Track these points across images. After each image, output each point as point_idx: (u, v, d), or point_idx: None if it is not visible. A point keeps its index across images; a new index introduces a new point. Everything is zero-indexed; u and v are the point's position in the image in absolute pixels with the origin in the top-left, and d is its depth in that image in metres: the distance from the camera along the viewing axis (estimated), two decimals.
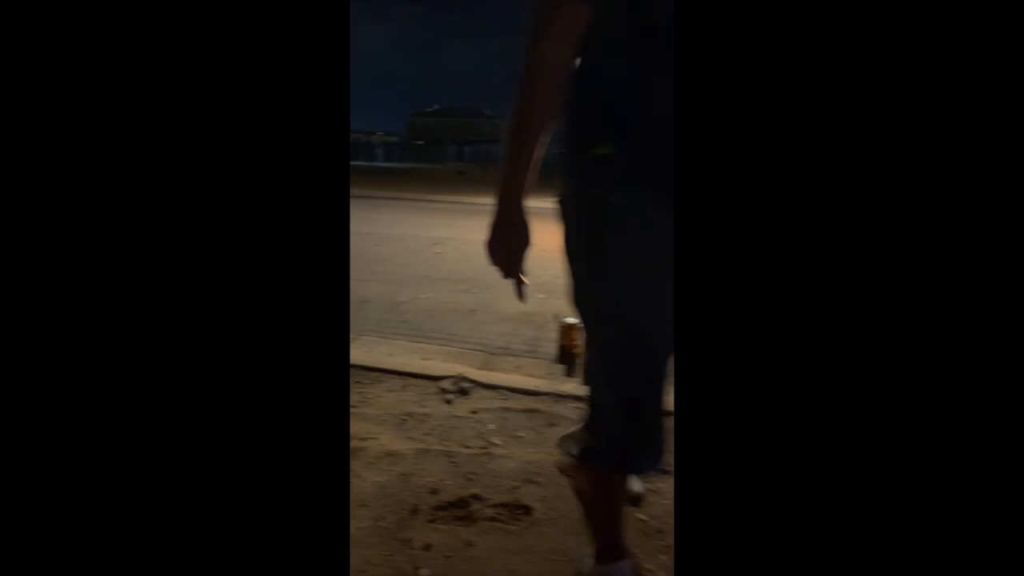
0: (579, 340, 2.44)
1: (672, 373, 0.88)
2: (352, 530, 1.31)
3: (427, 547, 1.26)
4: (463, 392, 2.07)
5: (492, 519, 1.37)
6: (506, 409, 1.96)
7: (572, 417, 1.91)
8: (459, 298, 3.47)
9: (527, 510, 1.41)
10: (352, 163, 23.98)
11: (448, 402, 2.00)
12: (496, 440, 1.75)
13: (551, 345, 2.64)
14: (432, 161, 25.32)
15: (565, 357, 2.49)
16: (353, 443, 1.69)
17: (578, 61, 0.88)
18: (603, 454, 1.03)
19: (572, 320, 2.50)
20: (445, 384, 2.11)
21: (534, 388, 2.10)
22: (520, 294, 1.02)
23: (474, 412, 1.93)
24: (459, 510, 1.41)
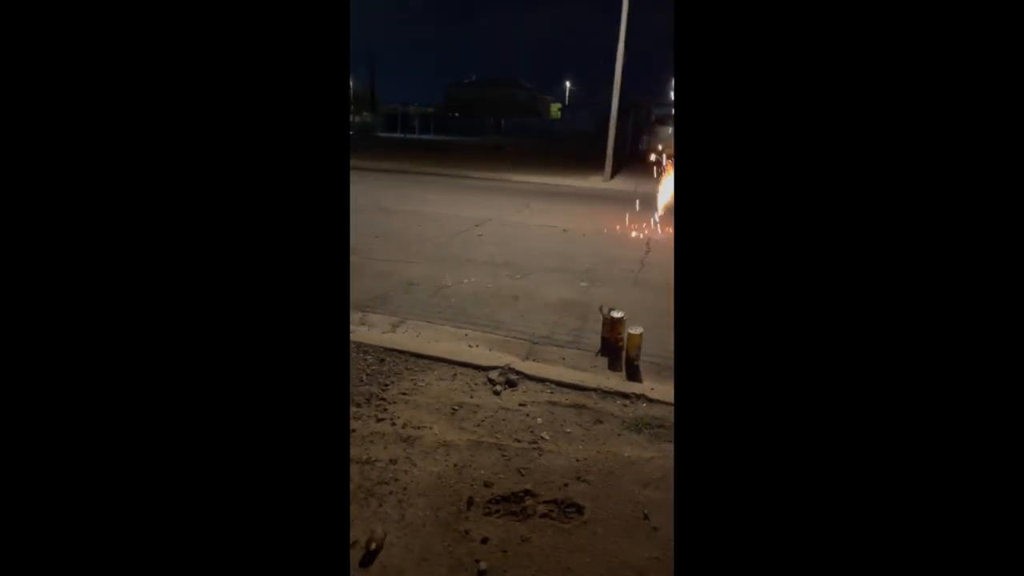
0: (623, 334, 2.45)
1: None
2: (412, 518, 1.38)
3: (484, 540, 1.32)
4: (511, 384, 2.11)
5: (545, 516, 1.43)
6: (553, 403, 2.00)
7: (618, 415, 1.94)
8: (502, 283, 3.50)
9: (579, 509, 1.45)
10: (390, 135, 24.04)
11: (497, 393, 2.05)
12: (545, 435, 1.80)
13: (594, 336, 2.65)
14: (469, 133, 25.16)
15: (609, 350, 2.50)
16: (408, 431, 1.77)
17: None
18: None
19: (617, 313, 2.51)
20: (493, 375, 2.16)
21: (580, 383, 2.13)
22: None
23: (522, 405, 1.98)
24: (513, 505, 1.46)
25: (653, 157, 8.00)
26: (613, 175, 9.56)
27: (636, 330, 2.41)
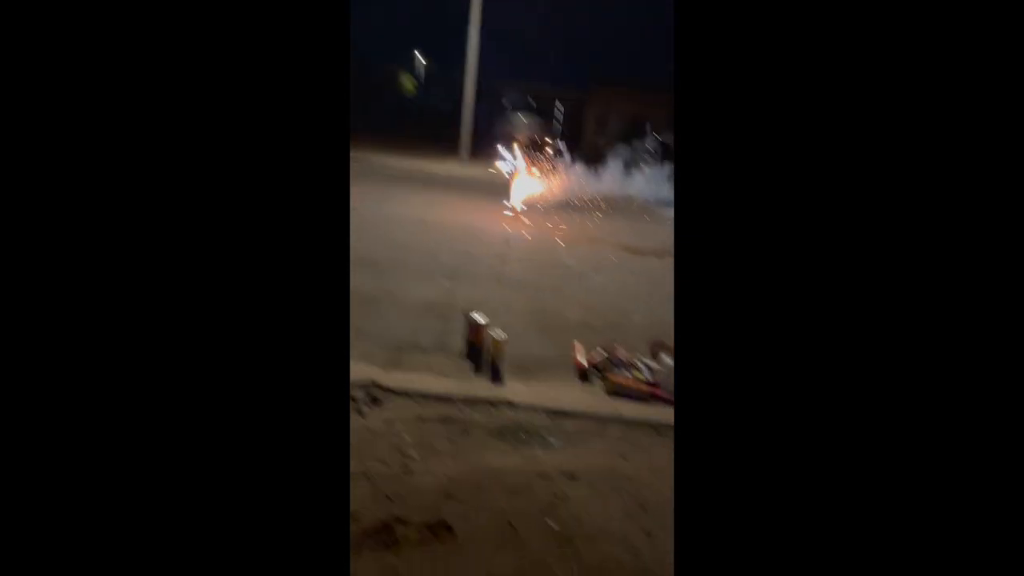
0: (487, 338, 2.54)
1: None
2: None
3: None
4: (375, 401, 2.06)
5: (417, 542, 1.44)
6: (421, 418, 2.00)
7: (483, 423, 2.02)
8: (359, 283, 3.34)
9: (449, 529, 1.49)
10: None
11: (360, 413, 1.99)
12: (413, 454, 1.80)
13: (459, 339, 2.70)
14: None
15: (473, 354, 2.57)
16: None
17: None
18: None
19: (482, 319, 2.58)
20: (356, 393, 2.08)
21: (447, 393, 2.16)
22: None
23: (388, 423, 1.94)
24: (384, 536, 1.45)
25: (508, 149, 8.27)
26: (469, 160, 9.63)
27: (500, 335, 2.51)
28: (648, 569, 1.44)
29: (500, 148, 8.15)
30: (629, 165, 8.70)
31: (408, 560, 1.38)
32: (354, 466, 1.71)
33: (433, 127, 12.85)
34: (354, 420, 1.94)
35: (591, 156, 8.73)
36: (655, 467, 1.89)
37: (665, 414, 2.27)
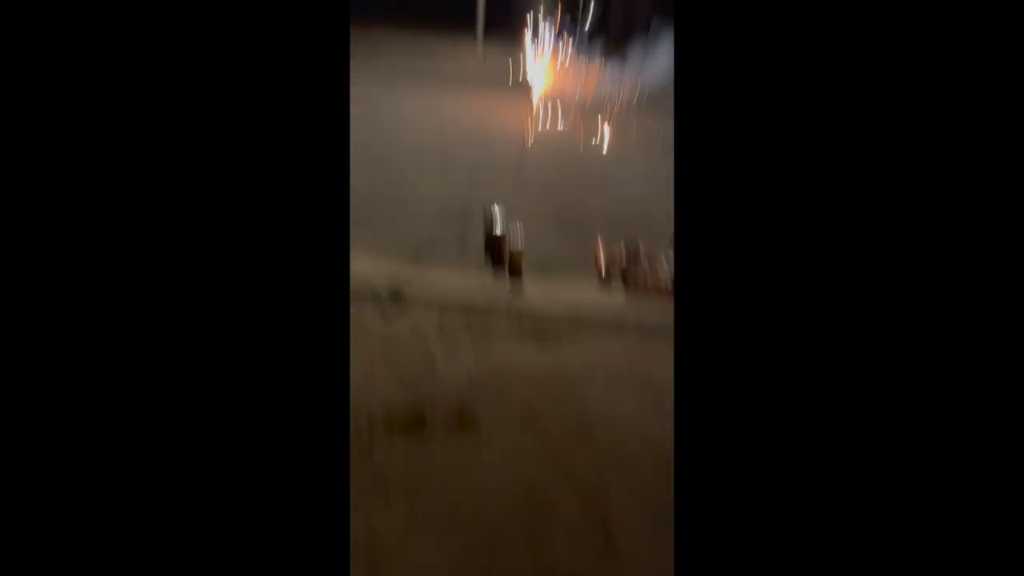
0: (507, 240, 2.51)
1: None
2: None
3: (389, 463, 1.42)
4: (397, 299, 2.11)
5: (444, 431, 1.55)
6: (443, 319, 2.06)
7: (506, 324, 2.07)
8: (377, 185, 3.30)
9: (475, 422, 1.59)
10: None
11: (384, 314, 2.05)
12: (436, 351, 1.88)
13: (478, 241, 2.69)
14: None
15: (493, 256, 2.57)
16: None
17: None
18: None
19: (499, 218, 2.54)
20: (381, 293, 2.13)
21: (468, 294, 2.20)
22: None
23: (412, 324, 2.01)
24: (413, 426, 1.56)
25: (531, 31, 7.59)
26: (486, 55, 8.96)
27: (518, 247, 2.48)
28: (660, 452, 1.53)
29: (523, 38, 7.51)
30: (653, 51, 7.97)
31: (439, 446, 1.49)
32: (381, 364, 1.79)
33: (445, 7, 11.80)
34: (377, 321, 2.01)
35: (615, 42, 8.00)
36: (671, 363, 1.94)
37: None
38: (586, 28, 8.13)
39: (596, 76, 6.80)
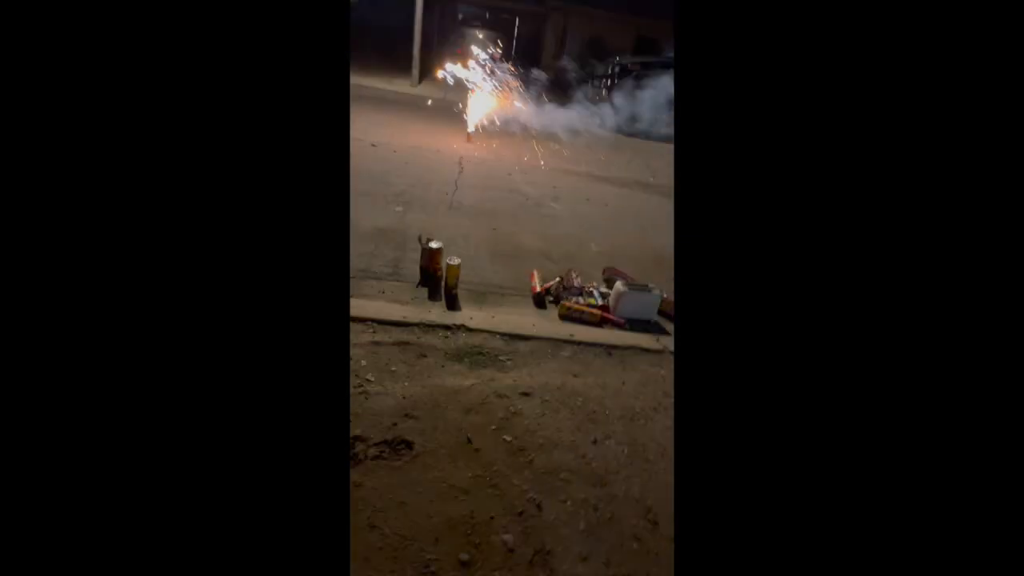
0: (442, 264, 2.52)
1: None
2: None
3: None
4: None
5: (377, 457, 1.50)
6: (377, 343, 2.01)
7: (440, 347, 2.05)
8: None
9: (408, 445, 1.55)
10: None
11: None
12: (370, 376, 1.82)
13: (413, 266, 2.67)
14: None
15: (428, 280, 2.56)
16: None
17: None
18: None
19: (436, 244, 2.55)
20: None
21: (403, 319, 2.16)
22: None
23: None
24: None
25: (457, 67, 7.78)
26: (421, 79, 9.05)
27: (454, 261, 2.50)
28: (594, 472, 1.57)
29: (448, 67, 7.65)
30: (588, 89, 8.45)
31: (370, 473, 1.43)
32: None
33: (380, 41, 11.87)
34: None
35: (550, 78, 8.40)
36: (604, 384, 2.01)
37: (615, 336, 2.38)
38: (517, 59, 8.46)
39: (531, 106, 7.07)
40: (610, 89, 8.03)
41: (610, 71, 8.30)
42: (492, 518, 1.36)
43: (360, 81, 8.04)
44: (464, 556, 1.24)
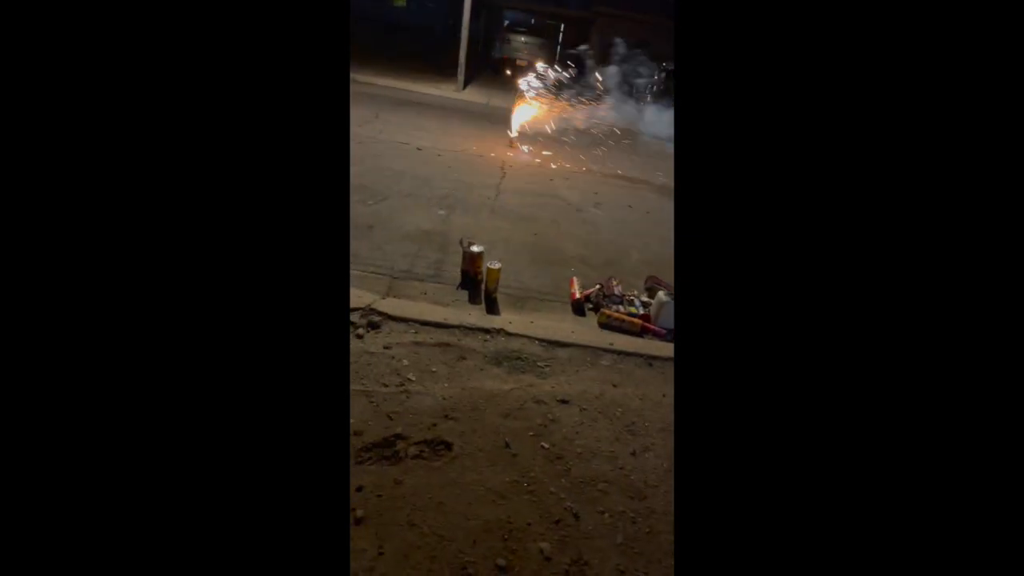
0: (482, 268, 2.54)
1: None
2: None
3: (359, 488, 1.38)
4: (374, 326, 2.09)
5: (416, 456, 1.52)
6: (418, 343, 2.05)
7: (479, 350, 2.07)
8: (355, 210, 3.29)
9: (448, 446, 1.57)
10: None
11: (360, 337, 2.02)
12: (411, 376, 1.86)
13: (454, 269, 2.71)
14: None
15: (468, 284, 2.59)
16: None
17: None
18: None
19: (477, 248, 2.58)
20: (355, 318, 2.10)
21: (443, 320, 2.20)
22: None
23: (387, 347, 1.99)
24: (385, 450, 1.53)
25: (508, 71, 7.83)
26: (466, 84, 9.18)
27: (495, 265, 2.52)
28: (633, 484, 1.54)
29: (507, 72, 7.69)
30: (634, 93, 8.36)
31: (410, 472, 1.46)
32: (355, 385, 1.76)
33: (428, 46, 12.10)
34: (353, 344, 1.98)
35: (595, 83, 8.36)
36: (644, 395, 1.98)
37: (656, 347, 2.34)
38: (564, 63, 8.47)
39: (576, 111, 7.05)
40: (656, 94, 7.92)
41: (656, 76, 8.19)
42: (529, 524, 1.36)
43: (407, 86, 8.22)
44: (501, 561, 1.25)
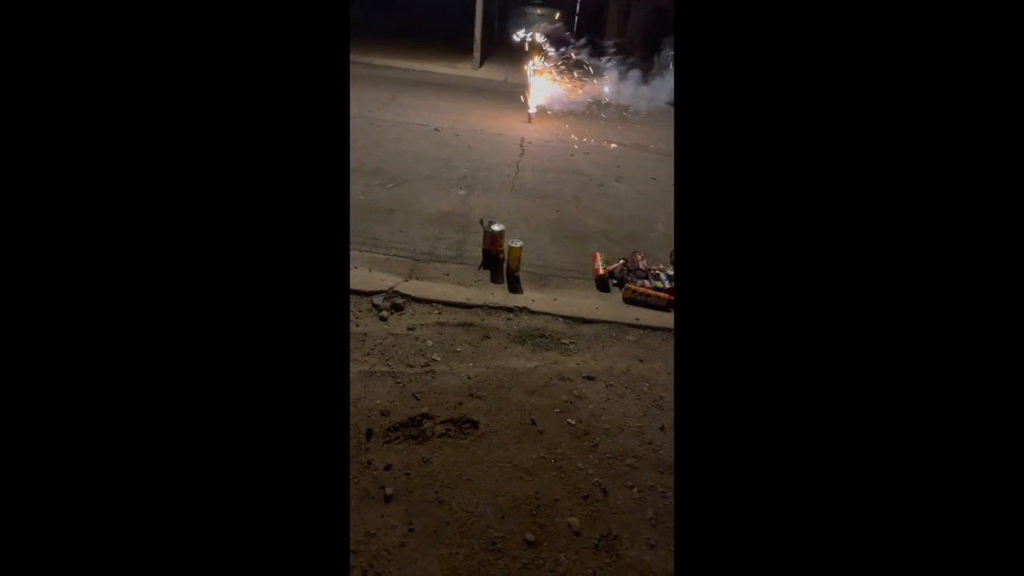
0: (504, 247, 2.52)
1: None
2: None
3: (388, 467, 1.40)
4: (397, 308, 2.10)
5: (443, 435, 1.53)
6: (442, 324, 2.05)
7: (503, 329, 2.06)
8: (375, 195, 3.29)
9: (474, 424, 1.58)
10: None
11: (384, 319, 2.04)
12: (436, 356, 1.86)
13: (476, 249, 2.69)
14: None
15: (490, 263, 2.57)
16: None
17: None
18: None
19: (498, 227, 2.55)
20: (378, 300, 2.12)
21: (466, 300, 2.19)
22: None
23: (411, 329, 2.00)
24: (412, 429, 1.54)
25: (525, 47, 7.64)
26: (482, 62, 9.03)
27: (516, 243, 2.49)
28: (662, 459, 1.52)
29: (524, 48, 7.51)
30: (654, 65, 8.08)
31: (437, 450, 1.47)
32: (381, 367, 1.78)
33: (443, 25, 11.92)
34: (378, 326, 2.00)
35: (614, 54, 8.11)
36: (671, 369, 1.94)
37: None
38: (581, 37, 8.23)
39: (595, 85, 6.88)
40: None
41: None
42: (557, 500, 1.35)
43: (423, 67, 8.14)
44: (530, 536, 1.25)
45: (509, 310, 2.18)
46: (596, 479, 1.43)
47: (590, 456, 1.51)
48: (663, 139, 5.46)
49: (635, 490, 1.42)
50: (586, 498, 1.37)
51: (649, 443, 1.59)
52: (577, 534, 1.28)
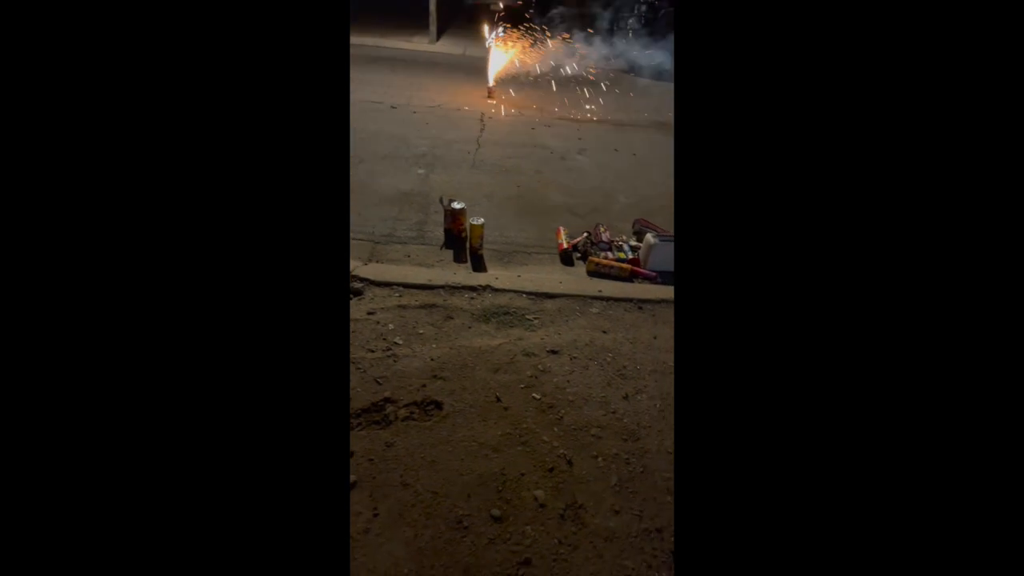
0: (465, 225, 2.48)
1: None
2: None
3: (350, 454, 1.38)
4: (357, 293, 2.05)
5: (407, 418, 1.52)
6: (403, 307, 2.01)
7: (467, 308, 2.04)
8: None
9: (438, 405, 1.57)
10: None
11: None
12: (398, 340, 1.83)
13: (438, 229, 2.64)
14: None
15: (452, 242, 2.53)
16: None
17: None
18: None
19: (458, 204, 2.50)
20: None
21: (428, 282, 2.15)
22: None
23: (371, 313, 1.96)
24: (375, 414, 1.52)
25: (483, 18, 7.43)
26: (439, 36, 8.75)
27: (478, 220, 2.45)
28: (626, 427, 1.55)
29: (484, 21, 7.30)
30: (613, 33, 7.99)
31: (401, 434, 1.46)
32: None
33: None
34: None
35: (572, 24, 7.97)
36: (635, 339, 1.96)
37: (645, 291, 2.31)
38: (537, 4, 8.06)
39: (553, 55, 6.76)
40: (645, 30, 7.57)
41: (636, 11, 7.80)
42: (522, 475, 1.36)
43: (378, 41, 7.85)
44: (496, 512, 1.26)
45: (472, 289, 2.15)
46: (561, 451, 1.45)
47: (555, 429, 1.52)
48: (624, 108, 5.44)
49: (600, 459, 1.44)
50: (551, 470, 1.39)
51: (613, 412, 1.61)
52: (543, 506, 1.29)
